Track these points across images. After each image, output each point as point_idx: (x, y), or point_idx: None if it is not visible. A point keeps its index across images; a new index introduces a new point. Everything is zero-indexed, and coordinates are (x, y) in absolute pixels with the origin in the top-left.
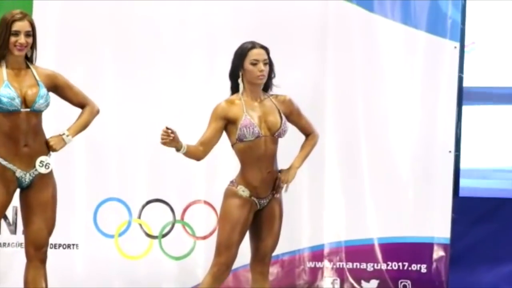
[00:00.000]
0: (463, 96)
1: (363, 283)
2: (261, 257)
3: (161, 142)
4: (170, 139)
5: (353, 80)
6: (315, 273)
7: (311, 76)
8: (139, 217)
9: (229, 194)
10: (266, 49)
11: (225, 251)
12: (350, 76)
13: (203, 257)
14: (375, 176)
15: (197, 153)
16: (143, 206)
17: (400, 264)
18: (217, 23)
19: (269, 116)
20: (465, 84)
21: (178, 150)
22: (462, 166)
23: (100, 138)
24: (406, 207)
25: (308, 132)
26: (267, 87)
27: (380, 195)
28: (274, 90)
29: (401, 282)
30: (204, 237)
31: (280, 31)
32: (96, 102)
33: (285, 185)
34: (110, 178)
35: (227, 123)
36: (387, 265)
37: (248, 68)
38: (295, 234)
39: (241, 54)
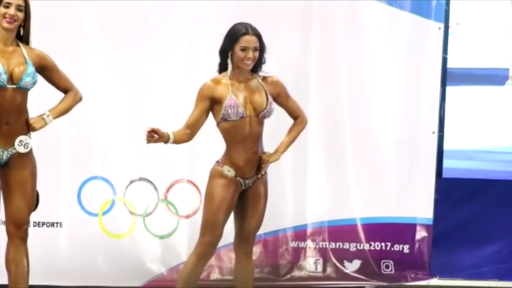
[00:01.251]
0: (447, 77)
1: (346, 263)
2: (245, 237)
3: (146, 142)
4: (155, 139)
5: (336, 61)
6: (298, 253)
7: (295, 57)
8: (123, 196)
9: (215, 174)
10: (258, 36)
11: (210, 231)
12: (334, 57)
13: (186, 236)
14: (358, 156)
15: (185, 137)
16: (127, 185)
17: (383, 244)
18: (200, 3)
19: (255, 96)
20: (449, 65)
21: (165, 142)
22: (446, 147)
23: (84, 117)
24: (389, 187)
25: (296, 115)
26: (255, 69)
27: (363, 176)
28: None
29: (383, 262)
30: (187, 216)
31: (264, 11)
32: (80, 83)
33: (266, 165)
34: (94, 157)
35: (213, 103)
36: (370, 245)
37: (237, 53)
38: (278, 214)
39: (233, 37)
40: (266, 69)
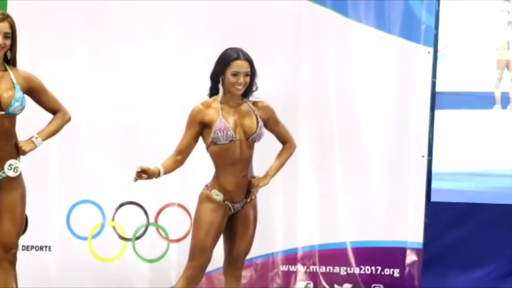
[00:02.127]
0: (435, 101)
1: (336, 287)
2: (234, 261)
3: (134, 181)
4: (144, 178)
5: (326, 84)
6: (289, 276)
7: (284, 80)
8: (113, 219)
9: (203, 198)
10: (249, 61)
11: (199, 255)
12: (323, 80)
13: (177, 259)
14: (349, 180)
15: (176, 165)
16: (117, 209)
17: (373, 268)
18: (192, 23)
19: (245, 120)
20: (438, 89)
21: (157, 177)
22: (434, 170)
23: (73, 140)
24: (379, 211)
25: (285, 140)
26: (246, 94)
27: (354, 199)
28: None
29: (374, 286)
30: (178, 240)
31: (255, 34)
32: (70, 105)
33: (256, 189)
34: (83, 181)
35: (203, 127)
36: (360, 269)
37: (228, 77)
38: (269, 238)
39: (224, 62)
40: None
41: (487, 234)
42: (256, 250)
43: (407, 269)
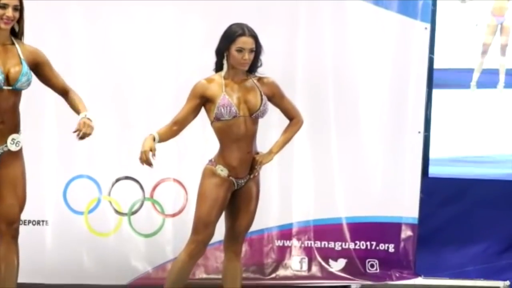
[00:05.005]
0: (433, 77)
1: (331, 262)
2: (235, 236)
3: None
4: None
5: (323, 61)
6: (283, 251)
7: (282, 57)
8: (109, 194)
9: (208, 173)
10: (255, 37)
11: (203, 229)
12: (320, 57)
13: (172, 234)
14: (344, 155)
15: (171, 134)
16: (113, 184)
17: (368, 243)
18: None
19: (249, 96)
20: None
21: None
22: (432, 146)
23: (69, 115)
24: (375, 187)
25: (291, 116)
26: (251, 70)
27: (349, 175)
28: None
29: (368, 262)
30: (173, 215)
31: (251, 11)
32: (66, 81)
33: (259, 166)
34: (80, 155)
35: (206, 101)
36: (355, 244)
37: (233, 54)
38: (264, 213)
39: (229, 38)
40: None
41: (483, 210)
42: (252, 225)
43: (402, 245)
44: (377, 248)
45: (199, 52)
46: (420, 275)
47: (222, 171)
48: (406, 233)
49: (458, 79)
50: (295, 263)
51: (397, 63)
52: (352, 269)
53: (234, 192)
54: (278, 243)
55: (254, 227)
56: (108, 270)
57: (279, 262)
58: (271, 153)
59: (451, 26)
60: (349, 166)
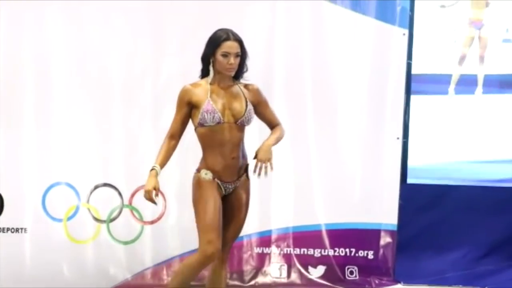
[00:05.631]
0: (411, 83)
1: (310, 269)
2: (222, 244)
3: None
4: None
5: (301, 66)
6: (263, 258)
7: (260, 61)
8: (88, 201)
9: (195, 182)
10: (240, 42)
11: (212, 235)
12: (299, 62)
13: (151, 242)
14: (323, 162)
15: (171, 152)
16: (92, 191)
17: (347, 250)
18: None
19: (234, 103)
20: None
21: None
22: (410, 152)
23: (49, 122)
24: (354, 193)
25: (273, 125)
26: (237, 76)
27: (328, 182)
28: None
29: (348, 268)
30: (152, 222)
31: (228, 14)
32: (45, 88)
33: (263, 165)
34: (58, 162)
35: (191, 107)
36: (334, 251)
37: (218, 59)
38: None
39: (214, 43)
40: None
41: (462, 216)
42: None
43: (381, 251)
44: (356, 254)
45: (178, 55)
46: (399, 282)
47: (206, 174)
48: (385, 239)
49: (437, 85)
50: (274, 270)
51: (375, 69)
52: (331, 276)
53: (223, 199)
54: (257, 250)
55: None
56: (87, 277)
57: (259, 269)
58: (265, 145)
59: (429, 31)
60: (328, 173)
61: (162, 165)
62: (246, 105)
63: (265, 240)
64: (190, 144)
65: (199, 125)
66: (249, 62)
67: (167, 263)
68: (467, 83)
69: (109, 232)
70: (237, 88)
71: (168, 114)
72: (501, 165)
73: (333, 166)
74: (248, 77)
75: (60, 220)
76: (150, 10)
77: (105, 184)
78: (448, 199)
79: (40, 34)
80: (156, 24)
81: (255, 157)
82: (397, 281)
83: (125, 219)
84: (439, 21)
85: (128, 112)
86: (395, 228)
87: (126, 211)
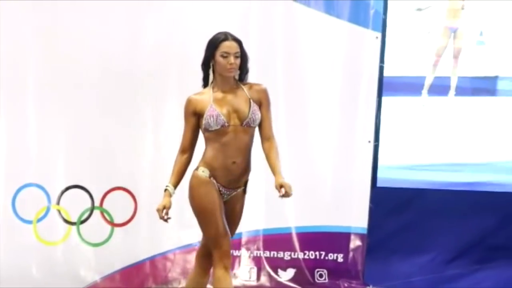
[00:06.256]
0: (383, 86)
1: (280, 271)
2: (208, 254)
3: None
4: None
5: (274, 69)
6: (233, 261)
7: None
8: (58, 203)
9: (194, 182)
10: (238, 42)
11: (222, 240)
12: (272, 65)
13: (121, 244)
14: (294, 165)
15: (186, 166)
16: (62, 192)
17: (317, 253)
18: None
19: (238, 105)
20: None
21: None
22: (382, 155)
23: (19, 123)
24: (324, 196)
25: (267, 134)
26: (240, 78)
27: (299, 184)
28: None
29: (317, 271)
30: (122, 224)
31: (202, 18)
32: (16, 89)
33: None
34: (29, 164)
35: (198, 116)
36: (304, 254)
37: (218, 60)
38: None
39: (212, 45)
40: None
41: (431, 220)
42: (200, 234)
43: (351, 254)
44: (326, 258)
45: (152, 55)
46: (368, 285)
47: (204, 172)
48: (355, 243)
49: (410, 87)
50: (244, 273)
51: (347, 72)
52: (301, 279)
53: None
54: None
55: None
56: (56, 279)
57: None
58: (282, 178)
59: (403, 34)
60: (299, 176)
61: (176, 184)
62: (250, 105)
63: (235, 242)
64: (161, 145)
65: (205, 131)
66: None
67: (137, 265)
68: (440, 86)
69: (79, 234)
70: (241, 89)
71: (141, 115)
72: (473, 168)
73: (304, 169)
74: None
75: (30, 222)
76: (128, 11)
77: (76, 186)
78: (418, 202)
79: (9, 35)
80: (132, 24)
81: (283, 194)
82: (366, 284)
83: (95, 221)
84: (414, 24)
85: (99, 113)
86: (365, 232)
87: (96, 213)
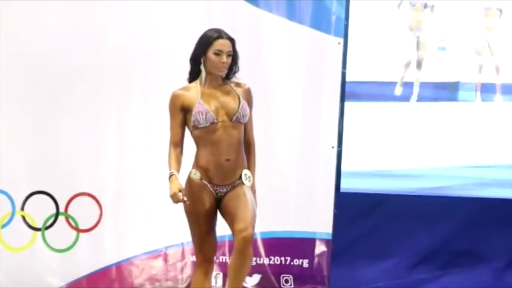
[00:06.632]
0: (345, 91)
1: (246, 277)
2: (238, 232)
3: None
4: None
5: (236, 75)
6: None
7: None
8: (22, 208)
9: (185, 182)
10: (232, 40)
11: (204, 243)
12: None
13: (86, 250)
14: (258, 171)
15: (180, 157)
16: (26, 198)
17: (283, 259)
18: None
19: (226, 101)
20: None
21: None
22: (344, 161)
23: None
24: (289, 202)
25: (248, 138)
26: (228, 76)
27: (263, 190)
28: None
29: (283, 277)
30: (87, 230)
31: (165, 22)
32: None
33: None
34: None
35: (186, 111)
36: (270, 259)
37: (210, 58)
38: (179, 227)
39: (206, 42)
40: (169, 84)
41: (396, 225)
42: (166, 240)
43: (316, 260)
44: (292, 263)
45: (117, 54)
46: None
47: (195, 174)
48: (320, 248)
49: (373, 92)
50: None
51: (310, 77)
52: (266, 285)
53: (219, 204)
54: (193, 258)
55: (169, 242)
56: (21, 285)
57: None
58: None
59: (366, 39)
60: (263, 182)
61: (178, 170)
62: (239, 101)
63: None
64: (125, 151)
65: (194, 128)
66: (185, 70)
67: (102, 271)
68: (403, 90)
69: (44, 240)
70: (229, 87)
71: (105, 119)
72: (436, 173)
73: (268, 175)
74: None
75: None
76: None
77: (40, 192)
78: (382, 207)
79: None
80: (94, 25)
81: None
82: None
83: (60, 227)
84: (377, 29)
85: (62, 118)
86: (330, 237)
87: (61, 218)
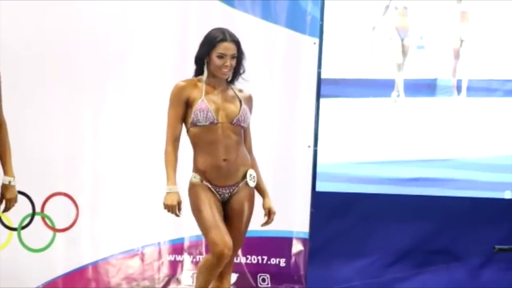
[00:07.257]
0: (321, 91)
1: None
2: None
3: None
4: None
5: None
6: (175, 266)
7: (172, 70)
8: None
9: (188, 187)
10: (237, 43)
11: (217, 236)
12: None
13: (63, 249)
14: None
15: (177, 154)
16: None
17: (259, 258)
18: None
19: (228, 103)
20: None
21: None
22: (319, 160)
23: None
24: None
25: (247, 147)
26: (232, 79)
27: None
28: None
29: (260, 276)
30: (64, 230)
31: (141, 23)
32: None
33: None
34: None
35: (187, 106)
36: (247, 258)
37: (213, 60)
38: (156, 227)
39: (209, 43)
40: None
41: (372, 224)
42: (143, 240)
43: (293, 259)
44: (269, 262)
45: (90, 57)
46: None
47: (195, 177)
48: (297, 247)
49: (350, 90)
50: (187, 278)
51: (286, 77)
52: (243, 284)
53: (223, 207)
54: (170, 257)
55: (146, 241)
56: None
57: (171, 276)
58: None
59: (342, 38)
60: None
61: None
62: (240, 105)
63: (177, 247)
64: (101, 151)
65: (192, 125)
66: (162, 70)
67: (79, 270)
68: (383, 87)
69: (20, 240)
70: (232, 91)
71: (80, 119)
72: (412, 166)
73: None
74: (162, 87)
75: None
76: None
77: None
78: (358, 206)
79: None
80: (69, 24)
81: (268, 215)
82: None
83: (37, 226)
84: (353, 28)
85: (37, 117)
86: (307, 236)
87: (37, 218)
